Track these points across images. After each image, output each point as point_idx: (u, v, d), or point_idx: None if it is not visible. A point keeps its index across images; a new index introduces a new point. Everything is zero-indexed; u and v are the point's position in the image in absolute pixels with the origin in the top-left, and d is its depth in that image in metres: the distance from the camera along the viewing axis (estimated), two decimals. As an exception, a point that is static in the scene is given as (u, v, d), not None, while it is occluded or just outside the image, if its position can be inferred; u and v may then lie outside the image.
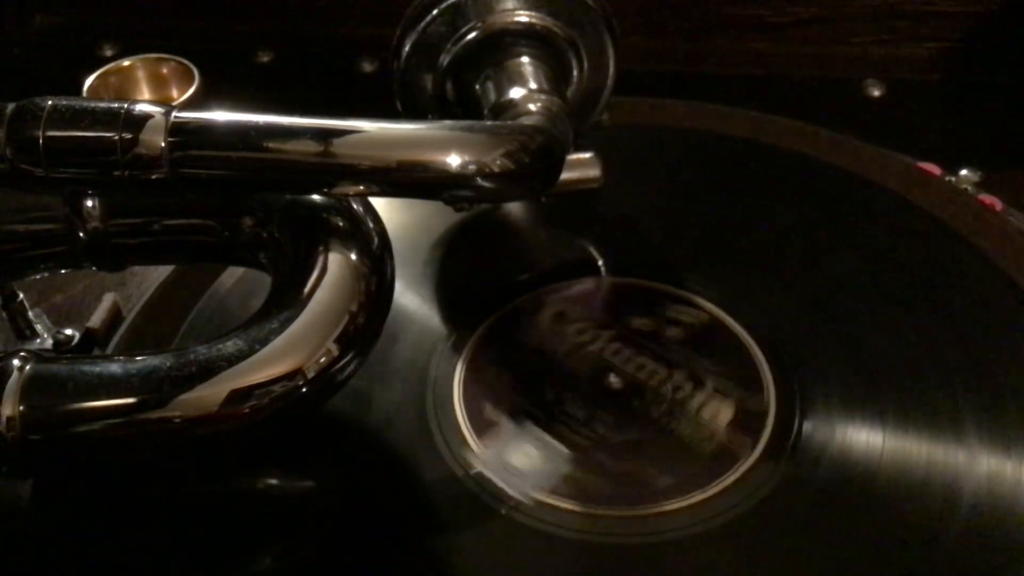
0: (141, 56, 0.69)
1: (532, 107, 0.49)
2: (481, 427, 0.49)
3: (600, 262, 0.58)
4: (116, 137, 0.41)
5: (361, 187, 0.43)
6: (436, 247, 0.59)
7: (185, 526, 0.46)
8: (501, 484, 0.47)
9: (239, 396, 0.41)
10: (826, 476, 0.46)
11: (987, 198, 0.61)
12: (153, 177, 0.42)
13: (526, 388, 0.51)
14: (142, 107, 0.42)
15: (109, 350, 0.55)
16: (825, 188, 0.62)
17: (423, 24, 0.53)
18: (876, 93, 0.77)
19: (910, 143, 0.66)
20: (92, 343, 0.55)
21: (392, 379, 0.51)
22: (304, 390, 0.42)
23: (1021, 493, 0.44)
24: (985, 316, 0.52)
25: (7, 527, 0.47)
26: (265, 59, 0.86)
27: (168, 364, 0.41)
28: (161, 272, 0.58)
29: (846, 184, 0.61)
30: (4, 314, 0.55)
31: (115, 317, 0.57)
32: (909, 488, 0.45)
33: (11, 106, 0.42)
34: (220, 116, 0.43)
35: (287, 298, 0.43)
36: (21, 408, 0.40)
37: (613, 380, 0.51)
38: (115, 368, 0.42)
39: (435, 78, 0.54)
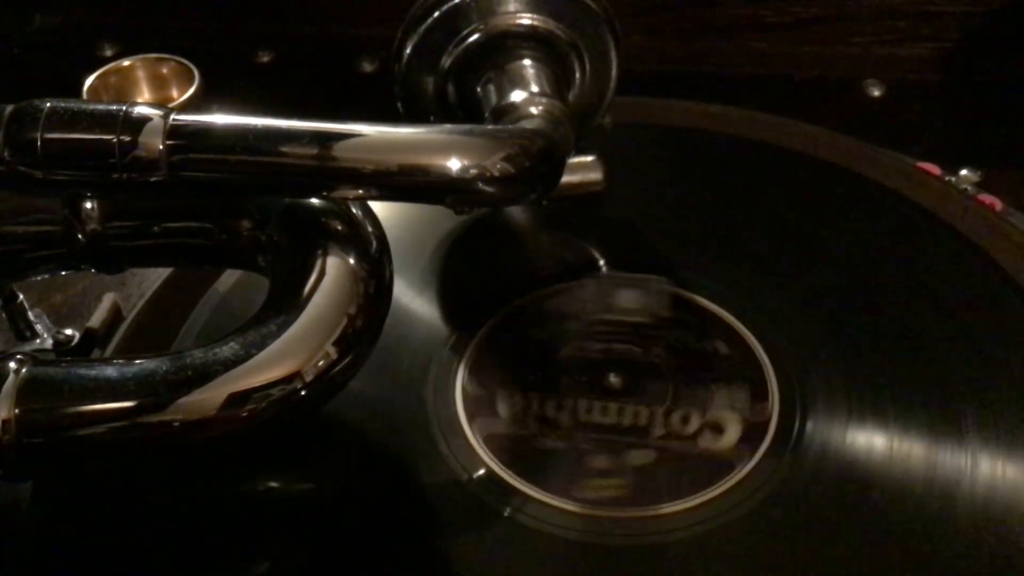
0: (141, 56, 0.69)
1: (533, 110, 0.48)
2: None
3: (601, 262, 0.58)
4: (114, 140, 0.41)
5: (360, 191, 0.43)
6: (437, 249, 0.59)
7: (184, 528, 0.46)
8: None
9: (237, 399, 0.41)
10: (827, 477, 0.46)
11: (987, 198, 0.61)
12: (152, 180, 0.42)
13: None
14: (141, 109, 0.42)
15: (109, 350, 0.54)
16: (825, 188, 0.62)
17: (425, 26, 0.52)
18: (876, 93, 0.77)
19: (910, 143, 0.66)
20: (92, 343, 0.55)
21: (393, 381, 0.51)
22: (303, 393, 0.42)
23: (1021, 493, 0.44)
24: (985, 316, 0.52)
25: (7, 527, 0.47)
26: (265, 59, 0.86)
27: (165, 367, 0.41)
28: (161, 272, 0.58)
29: (846, 184, 0.61)
30: (4, 315, 0.55)
31: (115, 317, 0.57)
32: (910, 488, 0.45)
33: (9, 108, 0.42)
34: (219, 119, 0.42)
35: (285, 301, 0.43)
36: (16, 411, 0.40)
37: (614, 380, 0.51)
38: (112, 371, 0.41)
39: (436, 80, 0.54)
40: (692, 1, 0.80)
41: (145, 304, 0.57)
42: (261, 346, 0.41)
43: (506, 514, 0.46)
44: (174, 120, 0.42)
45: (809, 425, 0.48)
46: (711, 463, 0.47)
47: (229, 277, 0.57)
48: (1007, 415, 0.47)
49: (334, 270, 0.44)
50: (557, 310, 0.55)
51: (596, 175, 0.56)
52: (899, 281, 0.55)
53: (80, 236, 0.47)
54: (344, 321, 0.43)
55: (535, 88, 0.50)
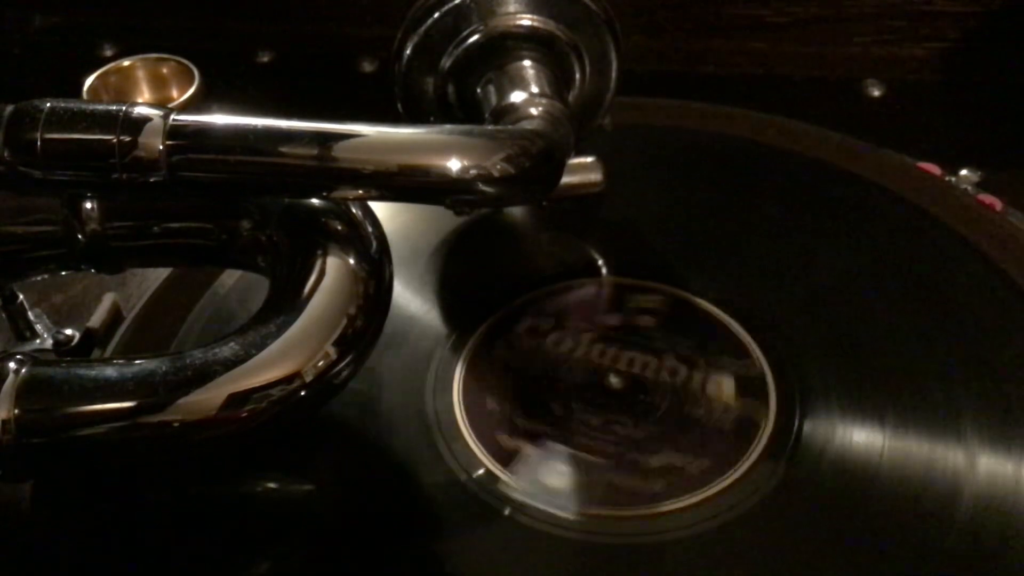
0: (141, 56, 0.70)
1: (533, 111, 0.48)
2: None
3: (600, 263, 0.58)
4: (114, 140, 0.41)
5: (361, 191, 0.43)
6: (436, 250, 0.59)
7: (184, 529, 0.46)
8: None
9: (237, 400, 0.41)
10: (826, 476, 0.46)
11: (987, 198, 0.61)
12: (151, 180, 0.42)
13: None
14: (140, 110, 0.42)
15: (109, 350, 0.55)
16: (825, 188, 0.62)
17: (425, 27, 0.52)
18: (876, 93, 0.77)
19: (910, 143, 0.66)
20: (92, 343, 0.55)
21: (392, 381, 0.51)
22: (302, 393, 0.42)
23: (1021, 493, 0.44)
24: (985, 316, 0.52)
25: (7, 527, 0.47)
26: (265, 59, 0.86)
27: (165, 368, 0.41)
28: (161, 272, 0.58)
29: (846, 184, 0.61)
30: (4, 315, 0.55)
31: (115, 317, 0.57)
32: (909, 488, 0.44)
33: (9, 108, 0.42)
34: (218, 119, 0.42)
35: (285, 301, 0.43)
36: (16, 411, 0.40)
37: (613, 380, 0.51)
38: (111, 372, 0.41)
39: (436, 81, 0.54)
40: (692, 1, 0.80)
41: (145, 304, 0.57)
42: (261, 346, 0.42)
43: (506, 514, 0.46)
44: (174, 120, 0.42)
45: (808, 424, 0.48)
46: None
47: (229, 277, 0.57)
48: (1007, 415, 0.47)
49: (334, 270, 0.44)
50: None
51: (596, 176, 0.56)
52: (898, 281, 0.55)
53: (80, 236, 0.47)
54: (344, 321, 0.43)
55: (535, 89, 0.50)
